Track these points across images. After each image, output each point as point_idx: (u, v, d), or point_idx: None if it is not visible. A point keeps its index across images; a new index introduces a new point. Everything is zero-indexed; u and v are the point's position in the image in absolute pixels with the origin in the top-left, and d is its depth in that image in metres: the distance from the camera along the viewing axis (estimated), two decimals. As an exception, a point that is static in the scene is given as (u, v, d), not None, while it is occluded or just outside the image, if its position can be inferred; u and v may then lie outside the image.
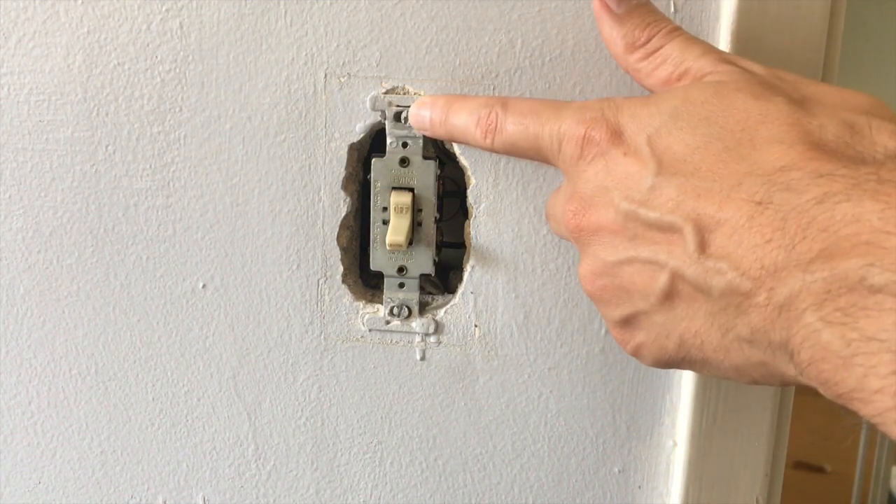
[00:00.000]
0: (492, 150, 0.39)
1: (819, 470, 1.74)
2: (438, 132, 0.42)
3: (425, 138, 0.44)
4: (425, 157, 0.45)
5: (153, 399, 0.49)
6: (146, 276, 0.48)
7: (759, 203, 0.29)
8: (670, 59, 0.36)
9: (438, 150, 0.46)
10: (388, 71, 0.44)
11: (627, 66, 0.38)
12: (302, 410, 0.49)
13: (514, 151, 0.39)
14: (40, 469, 0.51)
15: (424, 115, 0.42)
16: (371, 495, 0.50)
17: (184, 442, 0.50)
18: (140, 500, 0.51)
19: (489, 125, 0.39)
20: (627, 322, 0.36)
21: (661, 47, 0.37)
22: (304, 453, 0.50)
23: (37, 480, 0.51)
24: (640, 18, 0.37)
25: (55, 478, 0.51)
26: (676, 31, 0.37)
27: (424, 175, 0.45)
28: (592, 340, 0.47)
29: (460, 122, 0.40)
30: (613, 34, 0.38)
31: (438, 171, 0.45)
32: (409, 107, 0.43)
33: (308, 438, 0.49)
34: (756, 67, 0.35)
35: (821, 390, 0.28)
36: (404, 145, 0.45)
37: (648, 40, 0.37)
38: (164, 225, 0.47)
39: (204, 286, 0.48)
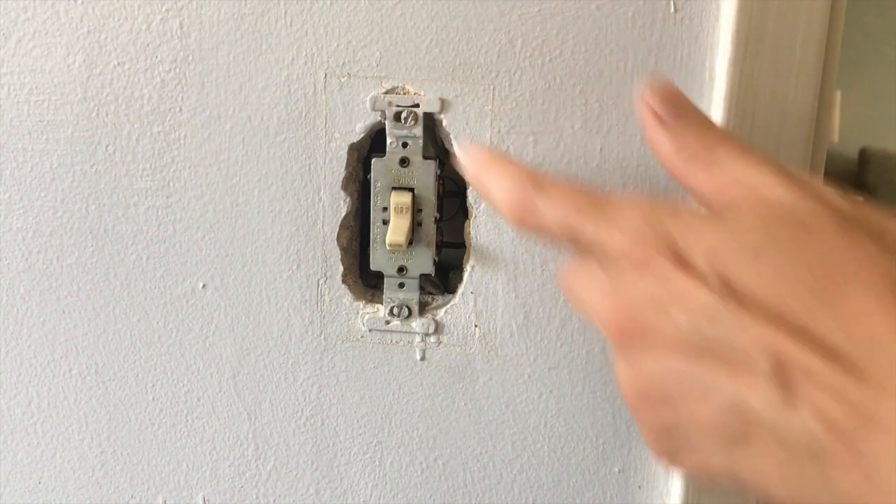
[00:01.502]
0: (517, 230, 0.36)
1: (819, 470, 1.74)
2: (473, 185, 0.39)
3: (425, 138, 0.44)
4: (425, 157, 0.45)
5: (153, 399, 0.49)
6: (146, 276, 0.48)
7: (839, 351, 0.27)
8: (726, 169, 0.33)
9: (438, 150, 0.46)
10: (388, 71, 0.44)
11: (674, 170, 0.35)
12: (302, 410, 0.49)
13: (540, 235, 0.35)
14: (40, 469, 0.51)
15: (463, 161, 0.38)
16: (371, 495, 0.50)
17: (184, 442, 0.50)
18: (140, 500, 0.51)
19: (518, 205, 0.35)
20: (669, 433, 0.32)
21: (715, 157, 0.34)
22: (304, 453, 0.50)
23: (37, 480, 0.51)
24: (691, 126, 0.34)
25: (55, 478, 0.51)
26: (729, 138, 0.34)
27: (424, 175, 0.45)
28: (592, 340, 0.47)
29: (489, 186, 0.36)
30: (662, 140, 0.35)
31: (438, 171, 0.45)
32: (409, 106, 0.43)
33: (308, 438, 0.49)
34: (829, 194, 0.32)
35: None
36: (404, 145, 0.45)
37: (701, 148, 0.34)
38: (164, 225, 0.47)
39: (204, 286, 0.48)
